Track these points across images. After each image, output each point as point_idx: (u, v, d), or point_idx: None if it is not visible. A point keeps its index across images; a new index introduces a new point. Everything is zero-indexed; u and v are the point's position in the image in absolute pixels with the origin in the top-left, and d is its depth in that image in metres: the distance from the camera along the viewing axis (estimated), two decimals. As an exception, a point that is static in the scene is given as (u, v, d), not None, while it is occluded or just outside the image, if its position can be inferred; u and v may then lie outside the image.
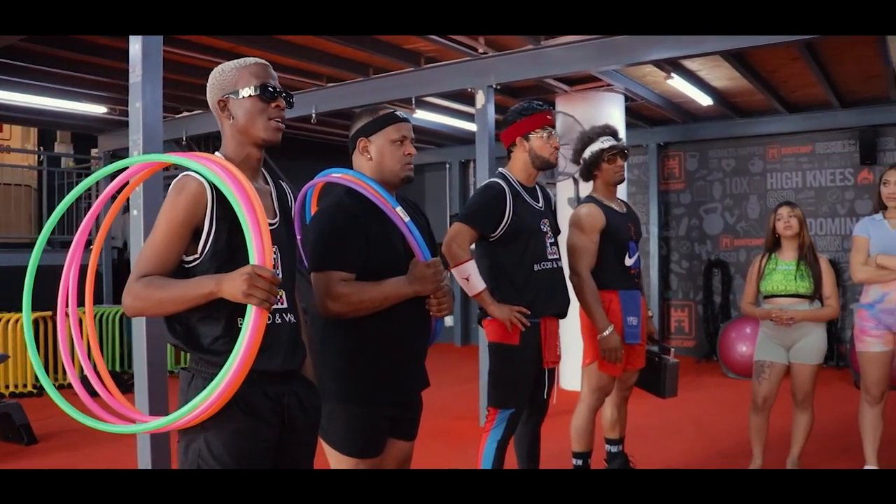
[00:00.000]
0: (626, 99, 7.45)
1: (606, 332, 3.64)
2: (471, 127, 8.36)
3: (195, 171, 1.92)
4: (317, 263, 2.45)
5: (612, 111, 7.21)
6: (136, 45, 3.36)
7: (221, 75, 2.06)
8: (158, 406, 3.29)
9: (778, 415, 4.36)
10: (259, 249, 1.81)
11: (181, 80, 6.42)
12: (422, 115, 7.89)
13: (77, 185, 2.53)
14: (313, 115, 6.63)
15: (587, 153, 3.84)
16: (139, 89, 3.35)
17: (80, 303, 2.15)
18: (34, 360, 2.10)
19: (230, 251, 1.95)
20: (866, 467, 4.18)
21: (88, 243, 2.20)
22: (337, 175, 2.61)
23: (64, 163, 10.77)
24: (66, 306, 2.08)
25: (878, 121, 8.02)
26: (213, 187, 1.91)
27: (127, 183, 2.14)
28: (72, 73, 6.27)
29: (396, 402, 2.57)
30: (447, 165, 11.02)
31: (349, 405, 2.47)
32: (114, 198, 2.22)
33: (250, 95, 2.02)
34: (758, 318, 4.33)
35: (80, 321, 2.25)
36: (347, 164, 2.66)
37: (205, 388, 1.87)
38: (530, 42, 5.55)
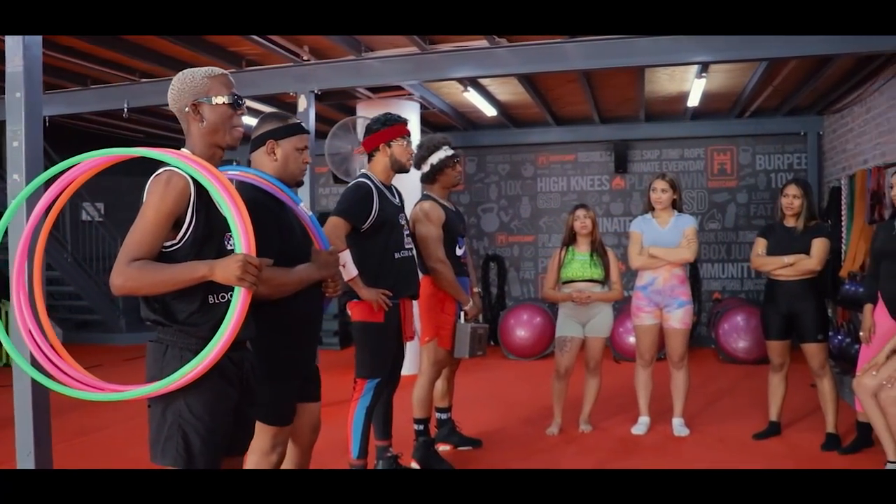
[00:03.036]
0: (421, 107, 8.12)
1: (470, 304, 4.41)
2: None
3: (176, 167, 2.23)
4: None
5: (408, 118, 7.80)
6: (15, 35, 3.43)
7: (193, 82, 2.35)
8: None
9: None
10: (245, 240, 2.19)
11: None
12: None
13: None
14: (125, 110, 6.62)
15: (434, 160, 4.41)
16: (20, 79, 3.41)
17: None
18: (6, 344, 2.37)
19: (205, 238, 2.29)
20: (640, 418, 5.17)
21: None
22: (234, 172, 2.95)
23: None
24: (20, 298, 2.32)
25: (629, 136, 9.47)
26: (193, 181, 2.24)
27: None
28: None
29: (304, 373, 3.00)
30: (235, 161, 11.12)
31: (270, 382, 2.78)
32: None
33: (223, 103, 2.35)
34: (559, 301, 5.16)
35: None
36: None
37: (181, 356, 2.23)
38: (352, 53, 6.03)
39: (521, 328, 8.69)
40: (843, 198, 6.97)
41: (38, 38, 3.51)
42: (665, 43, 5.48)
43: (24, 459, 3.42)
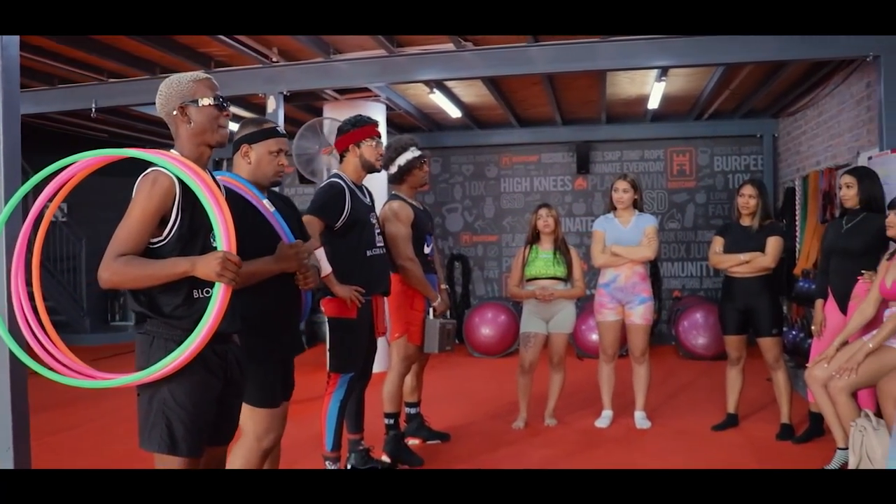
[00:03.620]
0: (387, 108, 8.21)
1: (438, 301, 4.51)
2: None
3: (163, 167, 2.33)
4: None
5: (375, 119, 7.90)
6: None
7: (179, 86, 2.45)
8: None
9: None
10: (227, 238, 2.28)
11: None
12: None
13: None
14: (93, 110, 6.61)
15: (402, 160, 4.52)
16: (-3, 79, 3.45)
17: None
18: (4, 334, 2.51)
19: (190, 234, 2.39)
20: (604, 412, 5.33)
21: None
22: (219, 177, 3.05)
23: None
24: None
25: (590, 137, 9.66)
26: (179, 181, 2.33)
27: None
28: None
29: (282, 357, 3.11)
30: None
31: (252, 364, 2.89)
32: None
33: (209, 104, 2.45)
34: (523, 299, 5.29)
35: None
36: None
37: (166, 347, 2.33)
38: (320, 55, 6.12)
39: (486, 326, 8.81)
40: (796, 198, 7.22)
41: (16, 38, 3.53)
42: (626, 47, 5.67)
43: (4, 456, 3.45)
